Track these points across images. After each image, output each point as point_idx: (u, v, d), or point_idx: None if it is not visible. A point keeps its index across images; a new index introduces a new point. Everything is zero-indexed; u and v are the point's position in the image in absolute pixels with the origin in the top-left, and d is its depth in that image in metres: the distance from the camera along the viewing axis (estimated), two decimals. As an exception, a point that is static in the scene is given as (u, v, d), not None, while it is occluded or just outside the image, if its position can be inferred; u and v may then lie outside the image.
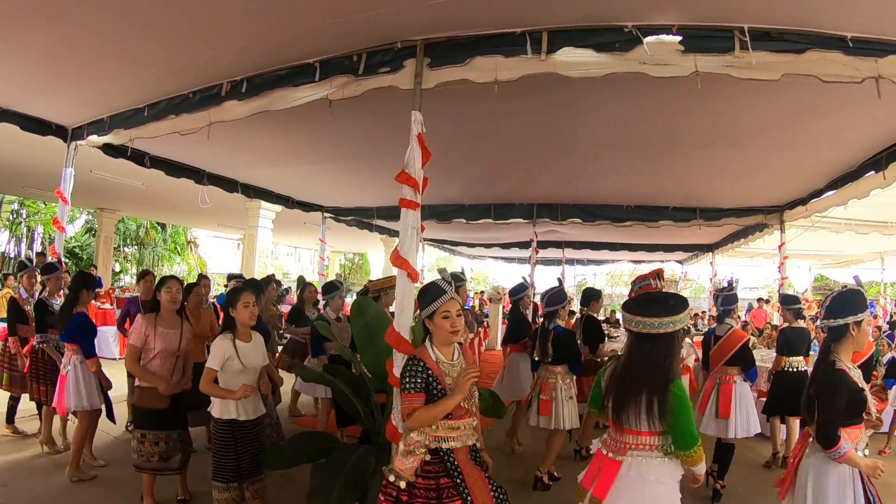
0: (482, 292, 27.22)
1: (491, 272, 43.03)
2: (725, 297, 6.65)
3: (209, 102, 5.74)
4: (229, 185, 10.16)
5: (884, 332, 10.84)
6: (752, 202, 10.07)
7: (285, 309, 10.57)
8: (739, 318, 6.52)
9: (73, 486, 5.54)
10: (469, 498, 3.26)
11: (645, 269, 22.59)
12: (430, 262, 25.32)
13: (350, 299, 10.82)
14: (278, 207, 12.69)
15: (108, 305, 14.51)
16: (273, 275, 10.58)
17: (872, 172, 7.10)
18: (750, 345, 7.43)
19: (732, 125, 6.18)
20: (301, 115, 5.64)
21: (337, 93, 4.87)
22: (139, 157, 8.30)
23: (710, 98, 5.34)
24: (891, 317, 17.60)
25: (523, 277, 8.47)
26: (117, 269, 26.30)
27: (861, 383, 3.56)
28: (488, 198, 10.75)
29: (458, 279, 6.83)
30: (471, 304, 22.95)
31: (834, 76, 4.07)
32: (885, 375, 8.63)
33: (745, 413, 6.12)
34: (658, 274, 5.36)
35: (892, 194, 7.63)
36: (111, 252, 20.39)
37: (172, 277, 5.32)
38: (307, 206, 12.46)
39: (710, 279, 15.46)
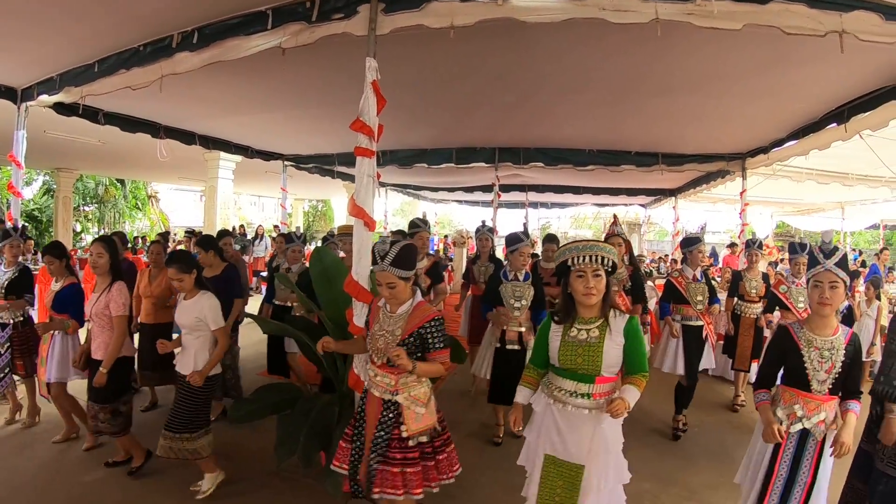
0: (446, 236, 27.30)
1: (455, 216, 43.11)
2: (683, 240, 6.85)
3: (160, 55, 5.59)
4: (187, 137, 10.01)
5: (843, 282, 11.05)
6: (714, 149, 10.16)
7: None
8: (705, 259, 6.65)
9: (53, 457, 5.51)
10: (359, 442, 3.67)
11: (608, 211, 22.94)
12: (394, 208, 25.28)
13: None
14: (238, 158, 12.64)
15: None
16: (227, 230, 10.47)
17: (834, 125, 7.23)
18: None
19: (696, 73, 6.18)
20: (256, 63, 5.53)
21: (290, 41, 4.76)
22: (92, 114, 8.15)
23: (674, 45, 5.32)
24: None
25: (483, 221, 8.48)
26: (78, 228, 25.86)
27: (804, 348, 3.61)
28: (450, 142, 10.68)
29: (413, 226, 6.82)
30: (435, 248, 23.09)
31: (796, 28, 4.06)
32: (842, 322, 8.87)
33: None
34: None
35: (853, 146, 7.77)
36: (70, 212, 20.07)
37: (97, 240, 5.23)
38: (267, 155, 12.32)
39: (673, 223, 15.62)
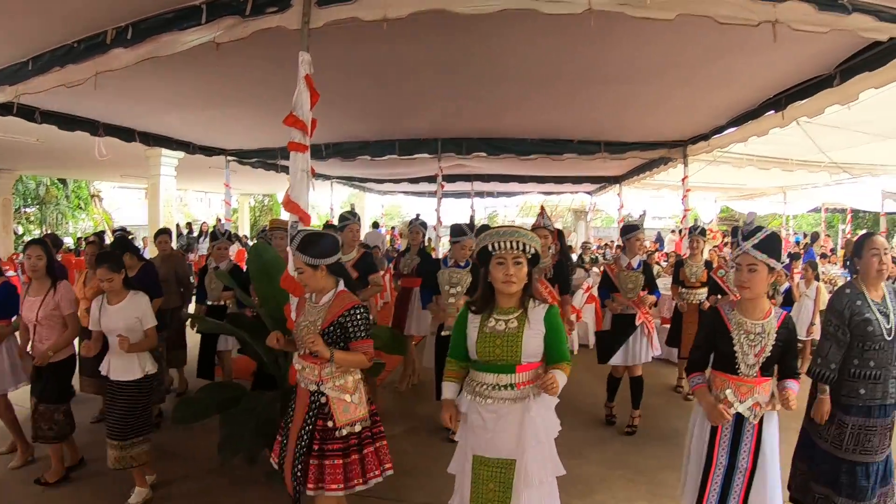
0: (393, 227, 27.30)
1: (404, 207, 43.03)
2: (622, 228, 6.89)
3: (95, 51, 5.42)
4: (126, 134, 9.77)
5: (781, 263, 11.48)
6: (655, 136, 10.29)
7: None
8: (644, 246, 6.67)
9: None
10: (287, 433, 3.67)
11: (555, 200, 23.10)
12: (342, 200, 25.16)
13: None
14: (180, 154, 12.25)
15: (11, 272, 12.69)
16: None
17: (772, 112, 7.42)
18: (655, 273, 7.69)
19: (636, 62, 6.22)
20: (194, 58, 5.40)
21: (224, 35, 4.67)
22: (28, 113, 7.89)
23: (614, 35, 5.33)
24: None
25: (417, 215, 8.53)
26: (20, 231, 25.16)
27: (734, 331, 3.52)
28: (393, 134, 10.57)
29: (342, 219, 6.86)
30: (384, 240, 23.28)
31: (730, 18, 4.10)
32: (783, 303, 9.23)
33: None
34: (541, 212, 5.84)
35: (792, 133, 7.99)
36: (11, 215, 19.53)
37: (33, 242, 5.19)
38: (209, 151, 12.00)
39: (618, 210, 15.79)
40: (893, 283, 4.55)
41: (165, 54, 5.07)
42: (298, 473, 3.52)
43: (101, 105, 8.26)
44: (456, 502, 3.49)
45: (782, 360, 3.53)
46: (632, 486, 5.16)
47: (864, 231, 6.23)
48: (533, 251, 3.24)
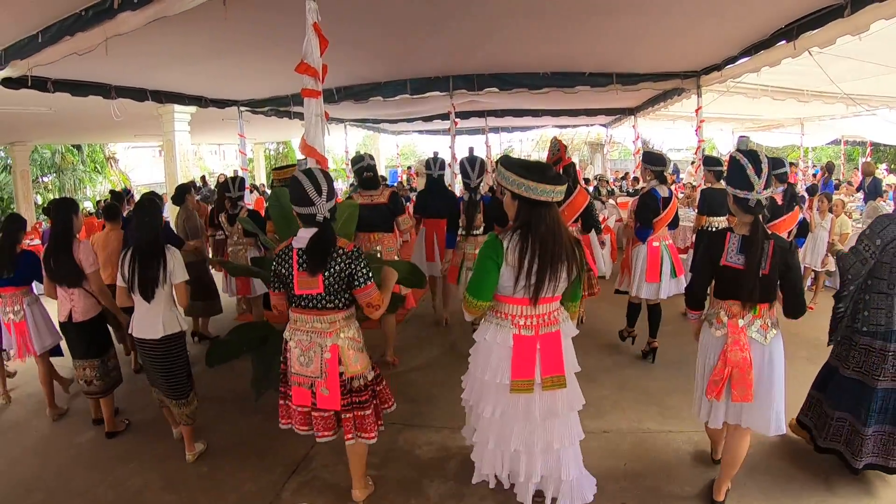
0: (409, 167, 27.24)
1: (419, 146, 42.82)
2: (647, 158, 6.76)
3: (103, 17, 5.33)
4: (139, 94, 9.74)
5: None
6: (668, 67, 10.16)
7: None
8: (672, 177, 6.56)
9: (39, 427, 5.65)
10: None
11: (570, 132, 22.90)
12: (358, 142, 25.08)
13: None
14: (192, 108, 12.41)
15: (37, 241, 12.98)
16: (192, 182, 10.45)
17: (783, 42, 7.30)
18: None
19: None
20: (200, 12, 5.27)
21: (230, -12, 4.69)
22: (41, 84, 7.94)
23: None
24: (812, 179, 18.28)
25: (435, 153, 8.55)
26: (39, 200, 25.31)
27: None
28: (404, 73, 10.45)
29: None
30: (398, 179, 23.43)
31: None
32: (797, 234, 9.22)
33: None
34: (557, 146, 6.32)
35: (806, 63, 7.84)
36: (30, 185, 19.80)
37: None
38: (222, 103, 11.91)
39: (634, 141, 15.63)
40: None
41: (174, 13, 5.04)
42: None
43: (111, 68, 8.23)
44: (469, 433, 3.84)
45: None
46: (642, 408, 5.36)
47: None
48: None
